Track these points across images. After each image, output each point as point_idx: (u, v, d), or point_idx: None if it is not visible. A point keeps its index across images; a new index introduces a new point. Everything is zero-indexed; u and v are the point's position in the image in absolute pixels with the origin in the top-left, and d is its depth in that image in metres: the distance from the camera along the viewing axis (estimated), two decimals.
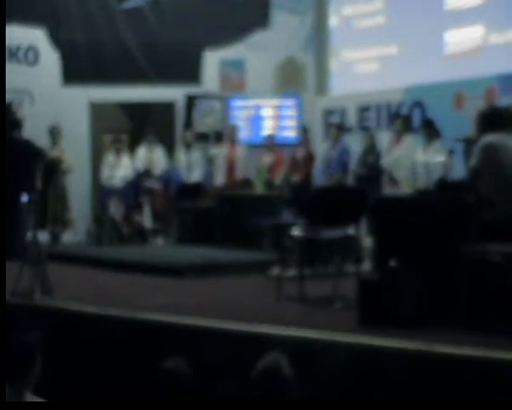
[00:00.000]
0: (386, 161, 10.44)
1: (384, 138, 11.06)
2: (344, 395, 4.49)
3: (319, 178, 11.61)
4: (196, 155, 12.19)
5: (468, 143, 6.01)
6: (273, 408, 3.40)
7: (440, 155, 9.09)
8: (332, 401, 4.43)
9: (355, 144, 11.36)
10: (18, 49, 12.65)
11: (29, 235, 7.22)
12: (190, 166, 12.09)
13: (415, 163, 9.66)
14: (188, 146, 12.15)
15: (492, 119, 5.58)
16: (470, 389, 4.15)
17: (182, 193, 11.93)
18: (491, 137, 5.40)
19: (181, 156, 12.12)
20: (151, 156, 12.13)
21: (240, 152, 11.97)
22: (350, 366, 4.57)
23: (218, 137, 12.69)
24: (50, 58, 12.88)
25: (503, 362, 4.16)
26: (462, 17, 10.90)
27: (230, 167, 11.93)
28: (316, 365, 4.49)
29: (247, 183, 11.84)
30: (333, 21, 12.81)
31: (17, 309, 6.19)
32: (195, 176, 12.08)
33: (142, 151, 12.21)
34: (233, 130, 12.21)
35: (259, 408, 3.42)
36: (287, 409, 3.42)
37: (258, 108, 12.85)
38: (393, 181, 9.88)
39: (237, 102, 12.92)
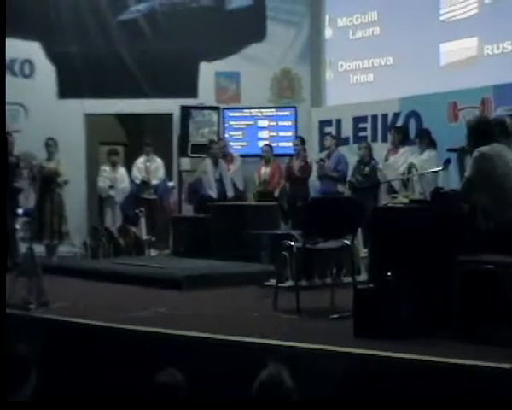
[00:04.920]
0: (381, 166, 10.53)
1: (380, 149, 11.10)
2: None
3: (316, 188, 11.64)
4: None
5: (461, 152, 6.02)
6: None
7: (435, 165, 9.13)
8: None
9: (351, 155, 11.40)
10: (13, 62, 12.68)
11: (25, 247, 7.22)
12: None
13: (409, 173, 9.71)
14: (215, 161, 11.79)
15: (483, 130, 5.60)
16: (466, 399, 4.15)
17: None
18: (485, 148, 5.42)
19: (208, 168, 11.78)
20: (150, 166, 12.12)
21: (232, 165, 11.93)
22: (346, 377, 4.56)
23: None
24: (46, 71, 12.92)
25: (498, 371, 4.16)
26: (456, 28, 10.95)
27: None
28: (312, 376, 4.49)
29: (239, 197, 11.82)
30: (328, 33, 12.85)
31: (12, 321, 6.17)
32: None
33: (140, 161, 12.20)
34: (223, 144, 12.21)
35: None
36: None
37: (254, 119, 12.87)
38: (392, 191, 9.90)
39: (233, 113, 12.94)
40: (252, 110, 12.89)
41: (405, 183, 9.62)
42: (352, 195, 10.62)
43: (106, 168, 12.21)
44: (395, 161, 10.33)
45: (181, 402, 3.65)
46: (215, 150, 11.77)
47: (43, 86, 12.85)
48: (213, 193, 11.57)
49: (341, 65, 12.64)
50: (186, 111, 12.85)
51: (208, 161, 11.78)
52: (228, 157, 12.05)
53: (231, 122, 12.91)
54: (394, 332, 5.05)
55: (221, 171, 11.69)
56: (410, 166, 9.64)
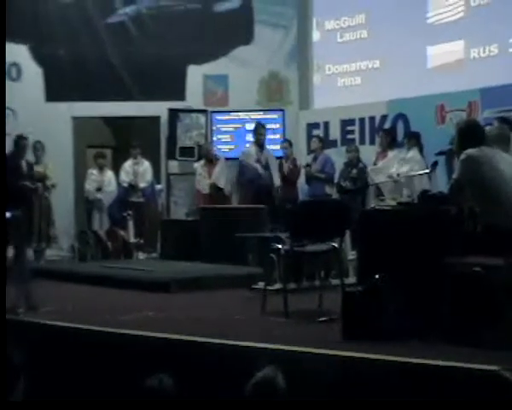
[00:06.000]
0: (370, 170, 10.56)
1: (368, 151, 11.13)
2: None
3: (303, 191, 11.66)
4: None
5: (449, 155, 6.06)
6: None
7: (420, 167, 9.18)
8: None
9: (339, 158, 11.42)
10: None
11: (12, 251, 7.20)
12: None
13: (398, 176, 9.75)
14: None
15: (472, 132, 5.63)
16: (454, 401, 4.16)
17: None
18: (473, 151, 5.45)
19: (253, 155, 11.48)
20: (137, 169, 12.11)
21: (217, 169, 11.89)
22: (333, 379, 4.58)
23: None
24: (33, 74, 12.87)
25: (486, 373, 4.18)
26: (443, 31, 10.99)
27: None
28: (300, 378, 4.49)
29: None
30: (316, 36, 12.87)
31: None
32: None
33: (128, 164, 12.19)
34: (208, 147, 12.19)
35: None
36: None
37: (242, 121, 12.87)
38: (379, 193, 9.93)
39: (221, 117, 12.95)
40: (239, 113, 12.89)
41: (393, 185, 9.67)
42: (340, 197, 10.64)
43: (93, 171, 12.20)
44: (384, 166, 10.35)
45: (170, 407, 3.65)
46: (260, 136, 11.44)
47: (31, 89, 12.81)
48: (262, 181, 11.25)
49: (329, 68, 12.65)
50: (174, 114, 12.85)
51: (252, 149, 11.52)
52: (213, 160, 12.02)
53: (219, 125, 12.91)
54: (382, 335, 5.06)
55: (267, 158, 11.43)
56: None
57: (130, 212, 11.77)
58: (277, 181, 11.37)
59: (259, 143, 11.49)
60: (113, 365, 5.53)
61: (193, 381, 4.76)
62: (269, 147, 12.45)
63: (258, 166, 11.28)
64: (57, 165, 11.57)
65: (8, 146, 11.03)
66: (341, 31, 12.46)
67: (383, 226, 5.68)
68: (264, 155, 11.43)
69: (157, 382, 3.70)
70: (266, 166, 11.30)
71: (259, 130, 11.57)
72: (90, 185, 12.08)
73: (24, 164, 10.29)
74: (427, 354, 4.58)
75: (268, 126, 12.60)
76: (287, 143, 11.96)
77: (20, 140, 10.35)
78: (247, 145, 11.91)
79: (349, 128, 11.85)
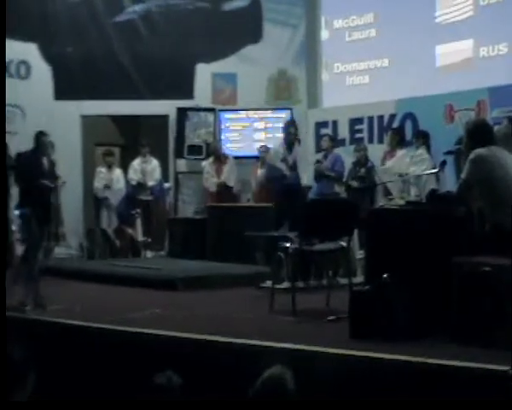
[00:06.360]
0: (378, 169, 10.53)
1: (376, 150, 11.10)
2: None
3: (313, 190, 11.63)
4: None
5: (458, 154, 6.04)
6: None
7: (430, 167, 9.14)
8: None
9: (347, 157, 11.40)
10: (10, 63, 12.65)
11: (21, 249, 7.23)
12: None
13: (407, 175, 9.72)
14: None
15: (481, 132, 5.61)
16: (463, 401, 4.15)
17: None
18: (481, 150, 5.43)
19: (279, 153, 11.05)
20: (146, 168, 12.13)
21: (227, 168, 11.89)
22: (341, 378, 4.57)
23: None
24: (42, 72, 12.90)
25: (495, 373, 4.17)
26: (452, 30, 10.96)
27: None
28: (308, 377, 4.49)
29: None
30: (325, 34, 12.85)
31: (9, 323, 6.16)
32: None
33: (136, 163, 12.21)
34: (216, 145, 12.18)
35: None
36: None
37: (250, 120, 12.86)
38: (387, 192, 9.91)
39: (229, 115, 12.94)
40: (248, 111, 12.88)
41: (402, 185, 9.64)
42: (348, 196, 10.62)
43: (102, 170, 12.23)
44: (393, 166, 10.32)
45: (178, 404, 3.65)
46: (289, 135, 10.90)
47: (40, 87, 12.83)
48: (286, 181, 10.81)
49: (337, 66, 12.63)
50: (182, 112, 12.85)
51: (280, 148, 11.10)
52: (221, 158, 12.03)
53: (227, 124, 12.90)
54: (390, 334, 5.05)
55: (295, 157, 10.79)
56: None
57: (138, 210, 11.79)
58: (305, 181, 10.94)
59: (289, 142, 10.93)
60: (120, 362, 5.54)
61: (200, 379, 4.76)
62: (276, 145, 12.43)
63: (283, 166, 10.84)
64: (66, 163, 11.57)
65: (18, 144, 11.04)
66: (350, 29, 12.44)
67: (391, 226, 5.68)
68: (293, 155, 10.86)
69: (165, 380, 3.70)
70: (293, 167, 10.81)
71: (289, 128, 11.02)
72: (98, 183, 12.10)
73: (45, 161, 10.23)
74: (434, 353, 4.58)
75: (276, 125, 12.60)
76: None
77: (40, 136, 10.30)
78: (276, 144, 11.62)
79: (357, 127, 11.83)
